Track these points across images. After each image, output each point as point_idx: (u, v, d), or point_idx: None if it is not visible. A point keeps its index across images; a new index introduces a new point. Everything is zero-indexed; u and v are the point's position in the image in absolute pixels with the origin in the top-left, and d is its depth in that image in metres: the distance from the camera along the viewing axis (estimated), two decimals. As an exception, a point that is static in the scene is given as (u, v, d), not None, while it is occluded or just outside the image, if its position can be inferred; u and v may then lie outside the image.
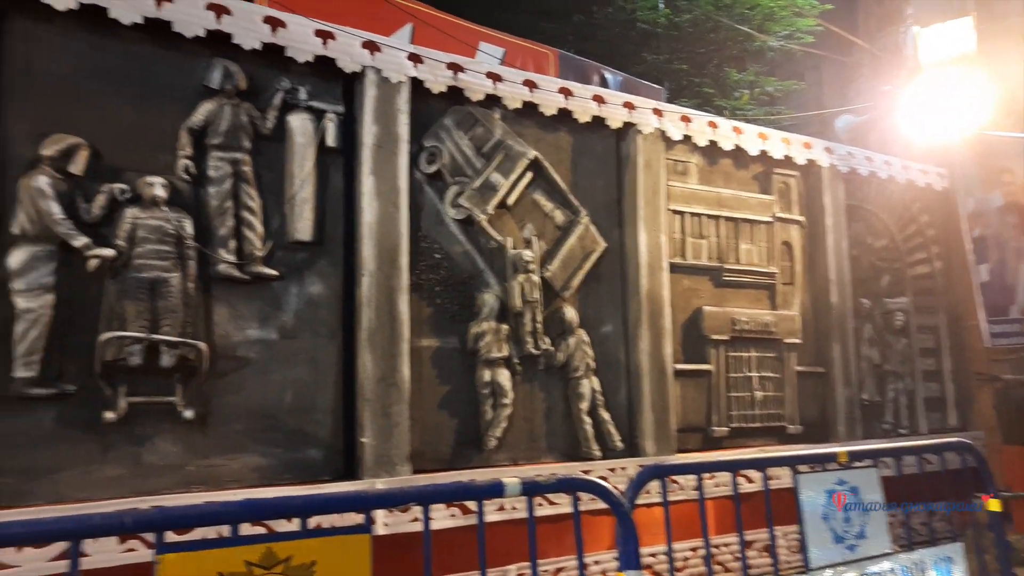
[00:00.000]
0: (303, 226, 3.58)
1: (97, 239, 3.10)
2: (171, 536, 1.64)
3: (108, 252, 3.09)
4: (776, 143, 5.26)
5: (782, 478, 3.31)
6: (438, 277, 3.98)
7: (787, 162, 5.33)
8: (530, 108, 4.28)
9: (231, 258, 3.38)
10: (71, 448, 3.00)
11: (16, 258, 2.96)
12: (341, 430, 3.59)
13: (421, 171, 3.97)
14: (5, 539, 1.76)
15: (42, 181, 3.00)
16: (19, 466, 2.90)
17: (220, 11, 3.34)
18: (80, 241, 3.04)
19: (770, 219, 5.25)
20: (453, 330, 3.99)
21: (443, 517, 3.47)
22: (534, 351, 4.11)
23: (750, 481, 3.74)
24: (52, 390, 2.97)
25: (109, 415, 3.04)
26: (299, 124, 3.59)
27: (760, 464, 3.24)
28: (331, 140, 3.67)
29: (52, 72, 3.10)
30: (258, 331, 3.45)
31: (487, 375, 3.96)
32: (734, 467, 3.04)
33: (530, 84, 4.28)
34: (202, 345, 3.22)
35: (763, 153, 5.18)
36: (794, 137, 5.43)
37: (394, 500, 2.25)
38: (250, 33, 3.41)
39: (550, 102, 4.34)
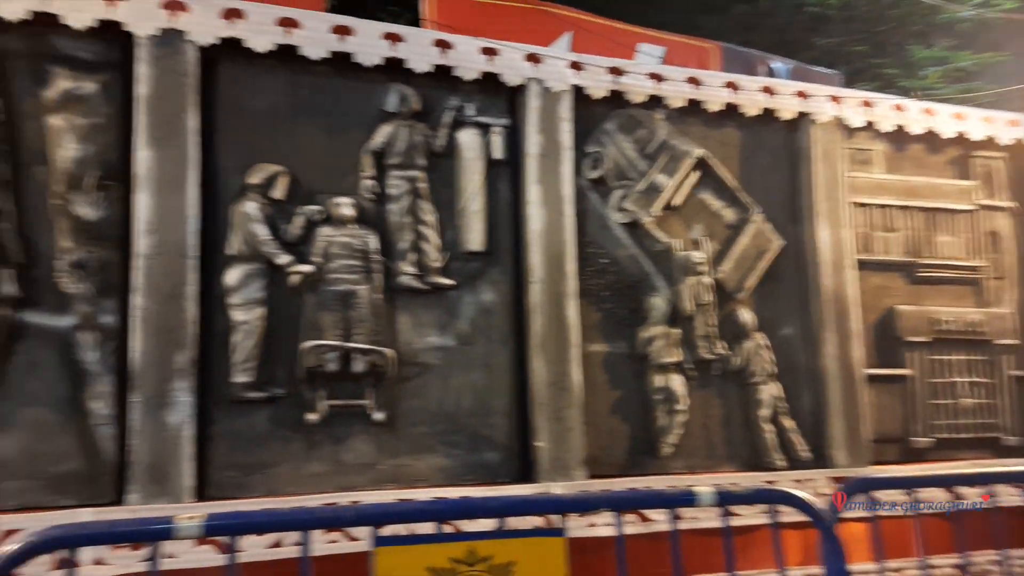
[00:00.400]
0: (475, 237, 3.72)
1: (297, 257, 3.42)
2: (385, 531, 1.77)
3: (307, 268, 3.40)
4: (975, 123, 4.72)
5: (1002, 495, 2.95)
6: (605, 282, 3.97)
7: (989, 143, 4.77)
8: (694, 106, 4.16)
9: (412, 270, 3.59)
10: (282, 446, 3.32)
11: (232, 276, 3.33)
12: (516, 433, 3.68)
13: (585, 177, 3.99)
14: (251, 527, 1.97)
15: (250, 207, 3.36)
16: (240, 462, 3.26)
17: (395, 39, 3.57)
18: (284, 259, 3.37)
19: (972, 207, 4.71)
20: (622, 335, 3.96)
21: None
22: (708, 356, 3.98)
23: (959, 498, 3.37)
24: (265, 394, 3.31)
25: (311, 417, 3.34)
26: (468, 139, 3.75)
27: (986, 480, 2.89)
28: (498, 153, 3.79)
29: (255, 109, 3.47)
30: (438, 338, 3.63)
31: (659, 380, 3.89)
32: (953, 482, 2.73)
33: (693, 81, 4.17)
34: (390, 352, 3.45)
35: (960, 135, 4.68)
36: (997, 115, 4.85)
37: (587, 505, 2.25)
38: (422, 57, 3.61)
39: (715, 98, 4.20)
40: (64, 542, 1.66)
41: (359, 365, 3.41)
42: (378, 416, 3.43)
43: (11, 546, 1.57)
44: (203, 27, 3.28)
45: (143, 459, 3.07)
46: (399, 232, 3.60)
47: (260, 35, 3.36)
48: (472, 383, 3.64)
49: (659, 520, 3.30)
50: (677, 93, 4.12)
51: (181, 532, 1.64)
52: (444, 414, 3.58)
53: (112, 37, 3.23)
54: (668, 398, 3.88)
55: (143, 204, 3.16)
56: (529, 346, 3.69)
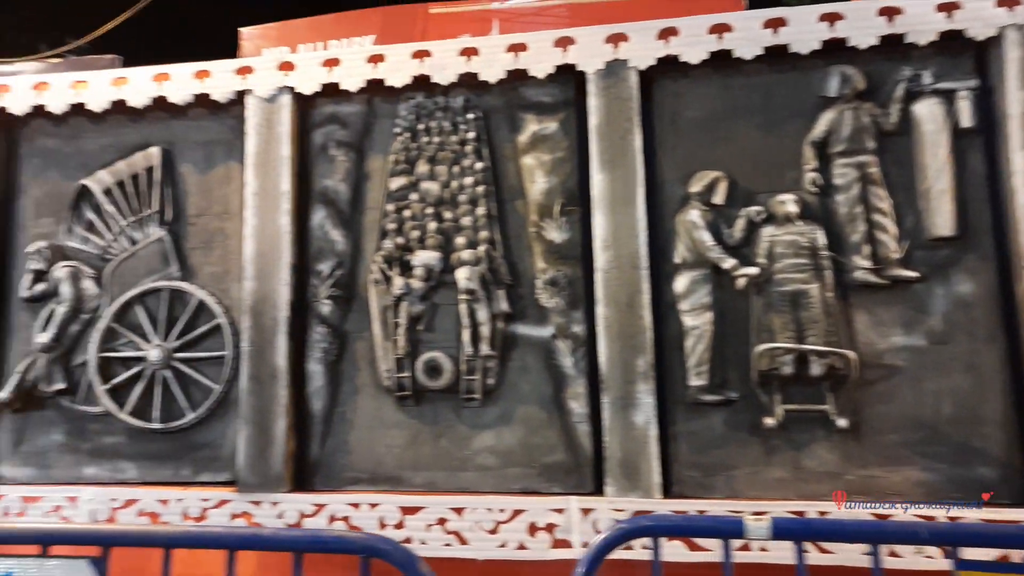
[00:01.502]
0: (942, 220, 3.26)
1: (741, 260, 3.41)
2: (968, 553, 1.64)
3: (753, 270, 3.36)
4: None
5: None
6: None
7: None
8: None
9: (866, 264, 3.29)
10: (739, 449, 3.34)
11: (680, 283, 3.47)
12: (1017, 447, 3.10)
13: None
14: (818, 534, 2.03)
15: (694, 215, 3.46)
16: (700, 462, 3.37)
17: (833, 19, 3.34)
18: (729, 263, 3.39)
19: None
20: None
21: None
22: None
23: None
24: (719, 397, 3.37)
25: (769, 421, 3.28)
26: (926, 111, 3.31)
27: None
28: (966, 120, 3.27)
29: (691, 118, 3.58)
30: (903, 337, 3.26)
31: None
32: None
33: None
34: (851, 354, 3.21)
35: None
36: None
37: None
38: (865, 31, 3.31)
39: None
40: (650, 531, 1.90)
41: (816, 368, 3.25)
42: (841, 423, 3.21)
43: (605, 533, 1.86)
44: (642, 52, 3.50)
45: (615, 455, 3.36)
46: (849, 224, 3.34)
47: (694, 47, 3.46)
48: (953, 387, 3.18)
49: None
50: None
51: (751, 533, 1.74)
52: (919, 422, 3.20)
53: (565, 78, 3.66)
54: None
55: (600, 223, 3.49)
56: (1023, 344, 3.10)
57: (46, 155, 4.20)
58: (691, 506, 3.24)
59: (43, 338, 3.96)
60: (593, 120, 3.54)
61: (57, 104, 4.06)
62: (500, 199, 3.73)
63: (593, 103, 3.55)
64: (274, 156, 3.85)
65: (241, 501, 3.62)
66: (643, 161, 3.50)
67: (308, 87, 3.86)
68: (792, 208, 3.35)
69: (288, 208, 3.81)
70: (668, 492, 3.36)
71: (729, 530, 1.81)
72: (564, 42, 3.60)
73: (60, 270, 4.02)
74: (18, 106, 4.09)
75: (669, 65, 3.54)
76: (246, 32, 4.70)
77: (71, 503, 3.76)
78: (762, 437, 3.32)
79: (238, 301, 3.90)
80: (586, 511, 3.32)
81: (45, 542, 1.79)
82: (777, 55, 3.43)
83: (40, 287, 4.05)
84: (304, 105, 3.95)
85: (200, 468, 3.84)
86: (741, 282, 3.38)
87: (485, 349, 3.58)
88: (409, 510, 3.46)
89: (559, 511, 3.34)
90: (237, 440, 3.71)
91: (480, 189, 3.70)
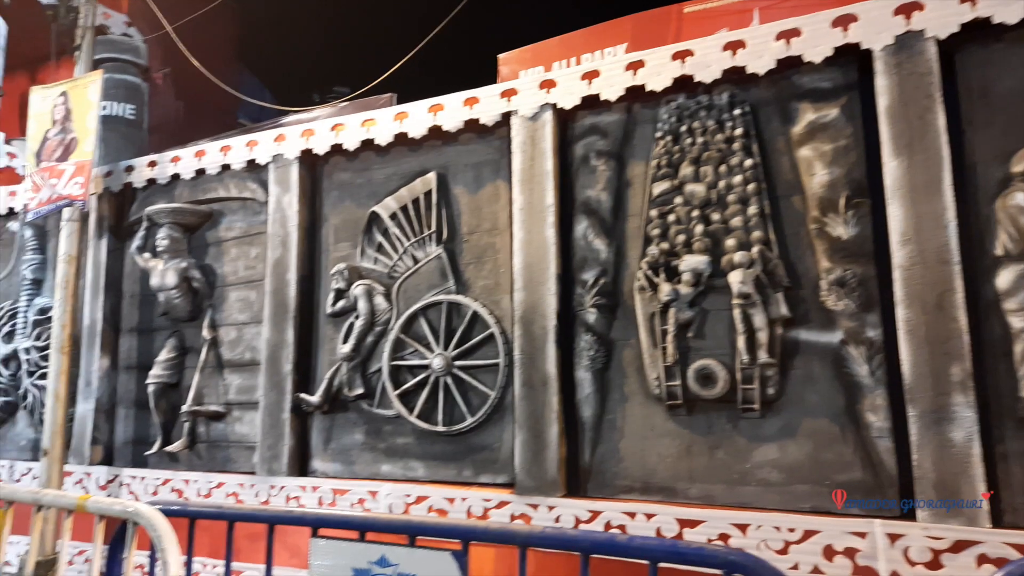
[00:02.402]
0: None
1: (1087, 247, 2.85)
2: None
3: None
4: None
5: None
6: None
7: None
8: None
9: None
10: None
11: (1004, 278, 2.98)
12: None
13: None
14: None
15: (1020, 198, 2.96)
16: (1042, 488, 2.85)
17: None
18: (1070, 252, 2.85)
19: None
20: None
21: None
22: None
23: None
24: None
25: None
26: None
27: None
28: None
29: (1008, 89, 3.08)
30: None
31: None
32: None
33: None
34: None
35: None
36: None
37: None
38: None
39: None
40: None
41: None
42: None
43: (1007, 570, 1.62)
44: (941, 19, 3.10)
45: (928, 475, 2.96)
46: None
47: (1009, 5, 2.99)
48: None
49: None
50: None
51: None
52: None
53: (845, 61, 3.36)
54: None
55: (896, 214, 3.13)
56: None
57: (342, 187, 4.77)
58: (1033, 540, 2.75)
59: (345, 349, 4.47)
60: (883, 102, 3.20)
61: (351, 141, 4.60)
62: (773, 196, 3.50)
63: (882, 83, 3.20)
64: (538, 171, 3.99)
65: (519, 503, 3.76)
66: (948, 142, 3.08)
67: (569, 101, 3.96)
68: None
69: (552, 220, 3.93)
70: (998, 521, 2.88)
71: None
72: (844, 21, 3.30)
73: (357, 288, 4.52)
74: (320, 146, 4.70)
75: (976, 31, 3.09)
76: (503, 57, 4.97)
77: (372, 497, 4.18)
78: None
79: (509, 312, 4.09)
80: (894, 537, 2.96)
81: (413, 533, 1.96)
82: None
83: (341, 304, 4.59)
84: (564, 120, 4.06)
85: (480, 470, 4.07)
86: (1089, 274, 2.83)
87: (763, 357, 3.37)
88: (687, 523, 3.35)
89: (860, 535, 3.02)
90: (513, 444, 3.87)
91: (751, 187, 3.51)
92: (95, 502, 2.47)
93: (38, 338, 5.70)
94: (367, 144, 4.58)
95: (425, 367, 4.27)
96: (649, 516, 3.44)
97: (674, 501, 3.50)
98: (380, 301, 4.49)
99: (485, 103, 4.21)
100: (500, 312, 4.15)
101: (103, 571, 2.50)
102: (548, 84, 4.02)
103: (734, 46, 3.55)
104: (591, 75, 3.92)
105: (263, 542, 2.79)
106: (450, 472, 4.15)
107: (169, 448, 4.98)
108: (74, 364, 5.21)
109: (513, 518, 3.77)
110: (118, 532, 2.52)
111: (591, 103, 3.95)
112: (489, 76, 4.78)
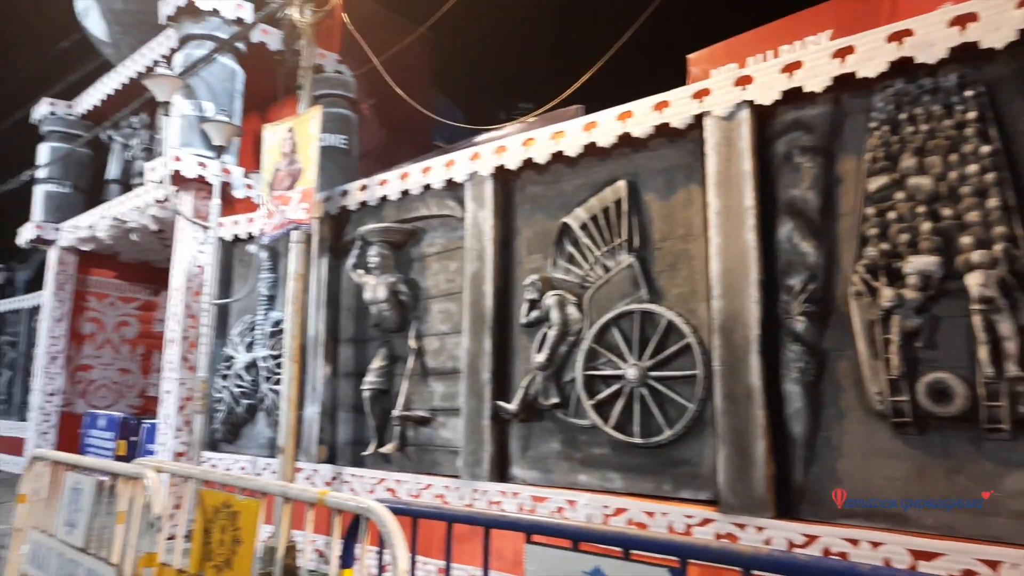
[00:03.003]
0: None
1: None
2: None
3: None
4: None
5: None
6: None
7: None
8: None
9: None
10: None
11: None
12: None
13: None
14: None
15: None
16: None
17: None
18: None
19: None
20: None
21: None
22: None
23: None
24: None
25: None
26: None
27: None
28: None
29: None
30: None
31: None
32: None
33: None
34: None
35: None
36: None
37: None
38: None
39: None
40: None
41: None
42: None
43: None
44: None
45: None
46: None
47: None
48: None
49: None
50: None
51: None
52: None
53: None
54: None
55: None
56: None
57: (533, 200, 4.88)
58: None
59: (539, 358, 4.56)
60: None
61: (541, 155, 4.70)
62: (1019, 186, 3.06)
63: None
64: (735, 173, 3.81)
65: (725, 522, 3.59)
66: None
67: (768, 97, 3.74)
68: None
69: (753, 223, 3.73)
70: None
71: None
72: (1111, -25, 2.81)
73: (549, 298, 4.59)
74: (512, 162, 4.84)
75: None
76: (693, 57, 4.80)
77: (570, 506, 4.21)
78: None
79: (706, 320, 3.94)
80: None
81: (628, 546, 1.95)
82: None
83: (534, 314, 4.69)
84: (763, 117, 3.85)
85: (680, 484, 3.95)
86: None
87: (1012, 369, 2.94)
88: (922, 554, 3.00)
89: None
90: (716, 459, 3.71)
91: (989, 177, 3.09)
92: (333, 498, 2.72)
93: (273, 347, 6.43)
94: (557, 156, 4.65)
95: (619, 377, 4.24)
96: (875, 544, 3.13)
97: (904, 529, 3.16)
98: (572, 311, 4.53)
99: (676, 106, 4.11)
100: (697, 321, 4.01)
101: (340, 558, 2.74)
102: (744, 81, 3.83)
103: (963, 20, 3.15)
104: (792, 67, 3.67)
105: (469, 543, 2.90)
106: (648, 485, 4.06)
107: (383, 450, 5.38)
108: (302, 371, 5.81)
109: (718, 537, 3.61)
110: (351, 526, 2.75)
111: (792, 97, 3.70)
112: (675, 79, 4.64)
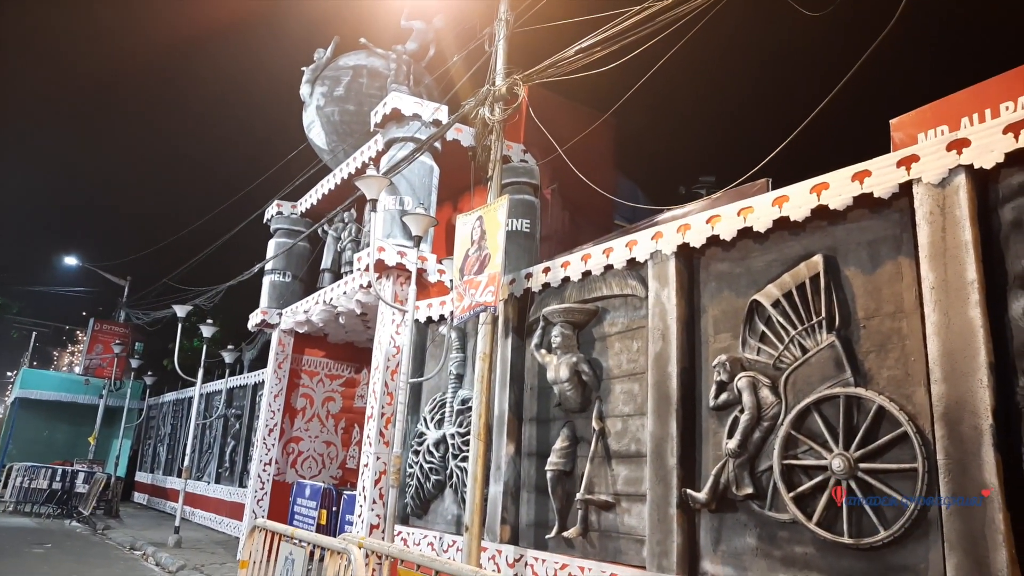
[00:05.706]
0: None
1: None
2: None
3: None
4: None
5: None
6: None
7: None
8: None
9: None
10: None
11: None
12: None
13: None
14: None
15: None
16: None
17: None
18: None
19: None
20: None
21: None
22: None
23: None
24: None
25: None
26: None
27: None
28: None
29: None
30: None
31: None
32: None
33: None
34: None
35: None
36: None
37: None
38: None
39: None
40: None
41: None
42: None
43: None
44: None
45: None
46: None
47: None
48: None
49: None
50: None
51: None
52: None
53: None
54: None
55: None
56: None
57: (720, 278, 4.73)
58: None
59: (731, 444, 4.29)
60: None
61: (727, 231, 4.57)
62: None
63: None
64: (953, 243, 3.45)
65: (962, 645, 3.07)
66: None
67: (989, 160, 3.39)
68: None
69: (977, 299, 3.33)
70: None
71: None
72: None
73: (740, 380, 4.36)
74: (696, 239, 4.76)
75: None
76: (896, 122, 4.48)
77: (770, 609, 3.82)
78: None
79: (925, 407, 3.52)
80: None
81: None
82: None
83: (724, 396, 4.47)
84: (983, 182, 3.48)
85: (902, 595, 3.46)
86: None
87: None
88: None
89: None
90: (944, 568, 3.22)
91: None
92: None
93: (460, 425, 6.66)
94: (744, 232, 4.50)
95: (823, 468, 3.87)
96: None
97: None
98: (766, 394, 4.25)
99: (878, 175, 3.84)
100: (913, 408, 3.59)
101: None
102: (959, 144, 3.51)
103: None
104: (1017, 126, 3.32)
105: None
106: (862, 593, 3.61)
107: (565, 534, 5.28)
108: (487, 449, 5.93)
109: (953, 663, 3.09)
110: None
111: (1019, 158, 3.33)
112: (871, 147, 4.35)
